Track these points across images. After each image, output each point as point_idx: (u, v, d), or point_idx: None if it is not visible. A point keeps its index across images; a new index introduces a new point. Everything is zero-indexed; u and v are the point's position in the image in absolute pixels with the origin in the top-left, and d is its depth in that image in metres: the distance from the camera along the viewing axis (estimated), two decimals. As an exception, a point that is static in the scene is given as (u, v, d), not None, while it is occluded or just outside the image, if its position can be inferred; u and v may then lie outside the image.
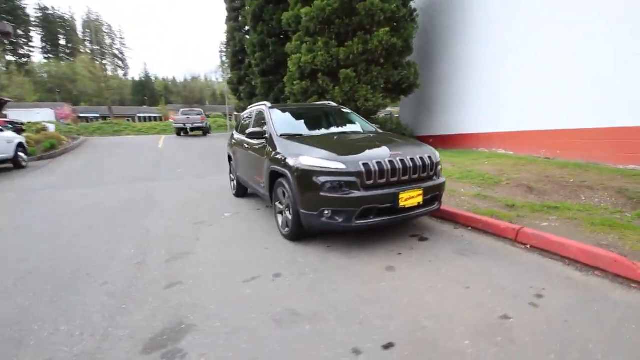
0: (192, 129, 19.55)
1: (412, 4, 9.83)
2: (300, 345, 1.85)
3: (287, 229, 3.50)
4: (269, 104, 4.70)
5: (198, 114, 19.76)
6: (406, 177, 3.14)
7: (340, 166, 2.95)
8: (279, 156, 3.54)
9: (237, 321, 2.09)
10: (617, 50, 5.40)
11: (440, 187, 3.42)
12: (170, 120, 20.52)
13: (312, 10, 9.07)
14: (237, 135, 5.59)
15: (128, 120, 41.29)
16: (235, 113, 36.86)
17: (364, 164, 2.96)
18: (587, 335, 1.84)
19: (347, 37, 9.40)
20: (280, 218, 3.68)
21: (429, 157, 3.33)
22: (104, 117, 42.66)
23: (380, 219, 3.03)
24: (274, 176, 3.70)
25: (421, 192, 3.14)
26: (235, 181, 5.71)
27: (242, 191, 5.68)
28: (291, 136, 3.88)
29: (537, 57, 6.91)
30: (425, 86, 10.44)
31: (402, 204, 3.03)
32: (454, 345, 1.81)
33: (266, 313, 2.17)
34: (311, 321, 2.07)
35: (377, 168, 2.98)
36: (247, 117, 5.39)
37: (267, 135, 4.02)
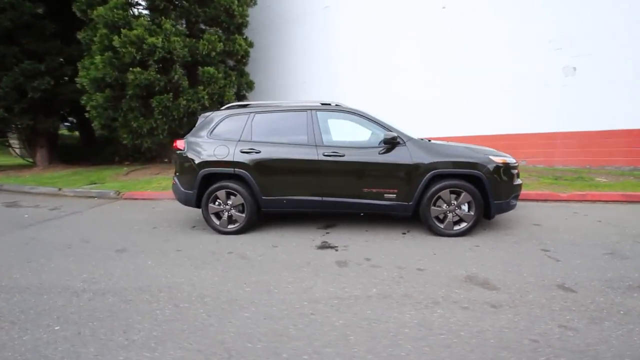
0: None
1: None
2: None
3: (458, 226, 3.76)
4: (341, 103, 4.11)
5: None
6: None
7: (513, 160, 3.92)
8: (445, 160, 3.72)
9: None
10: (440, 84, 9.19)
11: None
12: None
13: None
14: (261, 148, 3.98)
15: None
16: None
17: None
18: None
19: (195, 29, 7.94)
20: (438, 221, 3.78)
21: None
22: None
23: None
24: (434, 181, 3.73)
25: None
26: (237, 211, 4.13)
27: (251, 223, 4.14)
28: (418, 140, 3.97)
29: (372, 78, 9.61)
30: (255, 98, 10.66)
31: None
32: None
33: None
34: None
35: (512, 161, 4.25)
36: (282, 121, 4.09)
37: (399, 140, 3.79)
